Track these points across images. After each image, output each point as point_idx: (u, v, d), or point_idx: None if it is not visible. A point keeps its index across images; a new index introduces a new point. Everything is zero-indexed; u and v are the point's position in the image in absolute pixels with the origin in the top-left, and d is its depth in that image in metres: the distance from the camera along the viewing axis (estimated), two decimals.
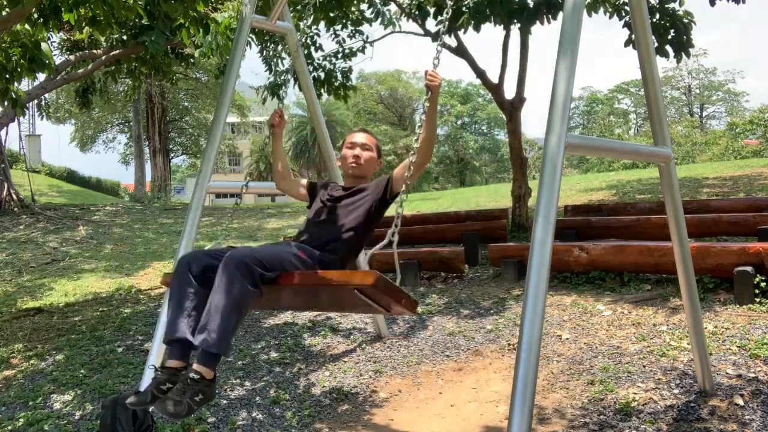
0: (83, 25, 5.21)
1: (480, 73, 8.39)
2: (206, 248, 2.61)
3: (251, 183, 3.64)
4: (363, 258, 3.17)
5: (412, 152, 2.56)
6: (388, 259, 6.37)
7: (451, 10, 2.78)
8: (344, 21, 8.49)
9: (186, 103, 33.91)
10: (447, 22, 2.70)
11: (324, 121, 4.54)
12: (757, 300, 4.33)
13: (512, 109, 8.37)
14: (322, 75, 8.73)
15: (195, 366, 2.14)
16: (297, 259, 2.50)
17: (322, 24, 8.26)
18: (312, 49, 8.67)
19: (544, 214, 2.03)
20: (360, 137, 2.99)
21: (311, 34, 8.65)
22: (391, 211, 2.75)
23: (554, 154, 2.09)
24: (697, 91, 47.94)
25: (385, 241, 2.33)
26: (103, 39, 9.35)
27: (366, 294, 2.19)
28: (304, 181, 3.19)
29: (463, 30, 7.69)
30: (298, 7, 7.59)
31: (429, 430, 3.20)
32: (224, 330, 2.17)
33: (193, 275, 2.38)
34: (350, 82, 8.89)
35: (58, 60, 10.79)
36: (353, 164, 2.93)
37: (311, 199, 3.06)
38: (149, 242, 11.23)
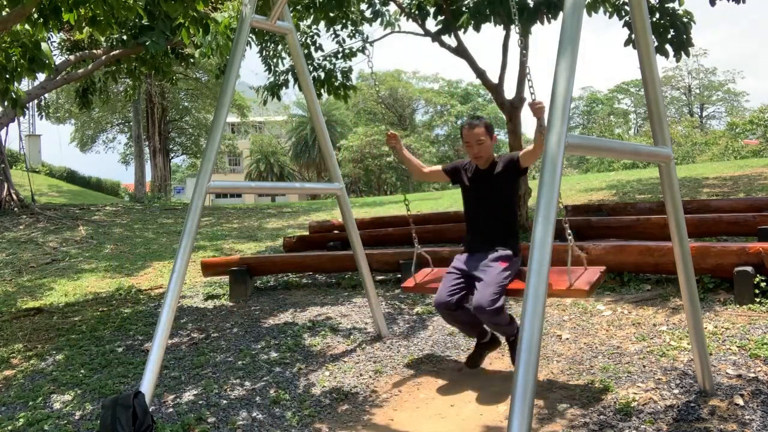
0: (83, 25, 5.21)
1: (480, 73, 8.39)
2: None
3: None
4: None
5: (531, 147, 3.53)
6: (387, 259, 6.37)
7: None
8: (344, 21, 8.49)
9: (186, 103, 33.92)
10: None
11: (324, 121, 4.53)
12: (757, 300, 4.33)
13: (512, 109, 8.37)
14: (322, 75, 8.73)
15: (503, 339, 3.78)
16: (506, 270, 3.48)
17: (322, 24, 8.26)
18: (312, 49, 8.68)
19: (544, 214, 2.03)
20: (471, 135, 3.66)
21: (311, 34, 8.66)
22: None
23: (554, 154, 2.09)
24: (697, 91, 47.97)
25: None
26: (103, 39, 9.35)
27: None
28: (440, 167, 4.03)
29: (463, 30, 7.70)
30: (298, 7, 7.60)
31: (429, 430, 3.20)
32: (513, 331, 3.60)
33: (452, 310, 3.54)
34: (350, 82, 8.88)
35: (58, 60, 10.80)
36: (476, 158, 3.72)
37: (454, 181, 3.92)
38: (149, 242, 11.23)
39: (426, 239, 7.87)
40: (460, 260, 3.72)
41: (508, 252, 3.57)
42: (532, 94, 3.35)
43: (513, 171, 3.65)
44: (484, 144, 3.65)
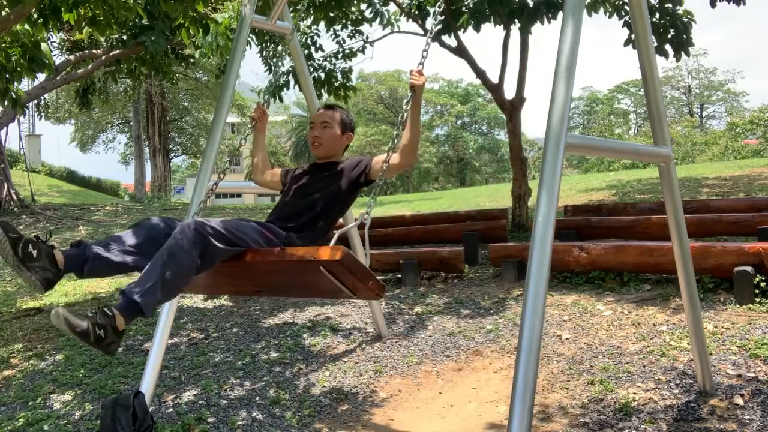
0: (83, 25, 5.22)
1: (480, 73, 8.39)
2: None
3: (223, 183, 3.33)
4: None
5: (392, 151, 2.49)
6: (387, 259, 6.37)
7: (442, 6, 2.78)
8: (344, 21, 8.49)
9: (186, 103, 33.92)
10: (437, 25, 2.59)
11: None
12: (757, 300, 4.33)
13: (512, 109, 8.37)
14: (323, 75, 8.73)
15: (115, 309, 2.04)
16: (261, 236, 2.42)
17: (322, 24, 8.26)
18: (312, 49, 8.68)
19: (544, 214, 2.03)
20: (319, 116, 2.89)
21: (311, 34, 8.66)
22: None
23: (554, 154, 2.09)
24: (697, 91, 47.93)
25: (357, 222, 2.30)
26: (103, 39, 9.36)
27: (332, 272, 2.12)
28: (278, 170, 3.10)
29: (463, 30, 7.70)
30: (298, 7, 7.60)
31: (429, 430, 3.20)
32: (156, 291, 2.10)
33: (146, 238, 2.31)
34: (350, 82, 8.89)
35: (58, 60, 10.80)
36: (314, 145, 2.86)
37: (283, 184, 2.99)
38: None
39: (425, 239, 7.88)
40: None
41: (285, 236, 2.53)
42: (423, 58, 2.54)
43: (353, 178, 2.73)
44: (328, 129, 2.83)
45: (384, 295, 2.50)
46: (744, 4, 6.99)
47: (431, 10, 8.10)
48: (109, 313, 2.01)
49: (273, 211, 2.76)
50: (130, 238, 2.30)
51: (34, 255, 2.07)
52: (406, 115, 2.52)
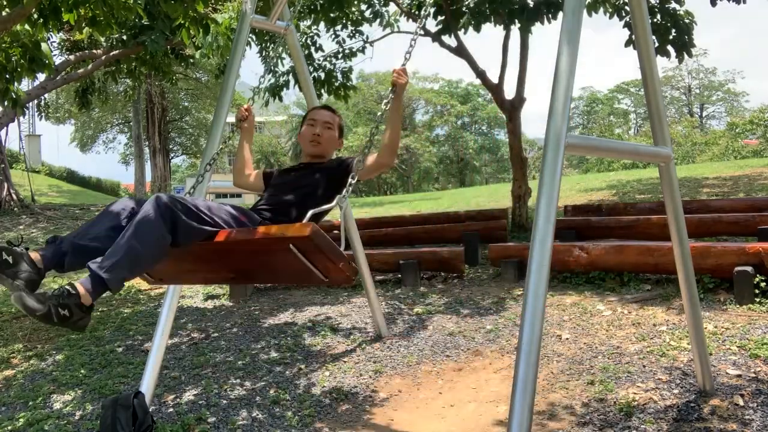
0: (83, 25, 5.22)
1: (480, 73, 8.40)
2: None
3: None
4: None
5: (374, 153, 2.52)
6: (387, 259, 6.37)
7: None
8: (344, 21, 8.49)
9: (186, 103, 33.92)
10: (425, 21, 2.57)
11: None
12: (757, 300, 4.34)
13: (512, 109, 8.38)
14: (323, 75, 8.74)
15: (80, 286, 2.01)
16: (235, 220, 2.36)
17: (322, 24, 8.27)
18: (312, 49, 8.68)
19: (544, 214, 2.03)
20: (323, 115, 2.90)
21: (311, 34, 8.67)
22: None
23: (554, 154, 2.09)
24: (697, 91, 47.94)
25: (333, 204, 2.28)
26: (103, 39, 9.36)
27: (302, 251, 2.07)
28: (259, 171, 3.02)
29: (463, 31, 7.70)
30: (298, 8, 7.60)
31: (429, 430, 3.20)
32: (123, 265, 2.05)
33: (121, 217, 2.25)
34: (350, 82, 8.89)
35: (58, 60, 10.80)
36: (313, 142, 2.83)
37: (266, 183, 2.93)
38: None
39: (425, 239, 7.88)
40: None
41: (260, 222, 2.49)
42: (407, 57, 2.55)
43: (339, 175, 2.63)
44: (329, 131, 2.86)
45: (355, 279, 2.48)
46: (744, 2, 6.99)
47: (431, 11, 8.10)
48: (73, 291, 1.98)
49: (256, 203, 2.71)
50: (104, 222, 2.23)
51: (10, 261, 2.02)
52: (385, 114, 2.47)
